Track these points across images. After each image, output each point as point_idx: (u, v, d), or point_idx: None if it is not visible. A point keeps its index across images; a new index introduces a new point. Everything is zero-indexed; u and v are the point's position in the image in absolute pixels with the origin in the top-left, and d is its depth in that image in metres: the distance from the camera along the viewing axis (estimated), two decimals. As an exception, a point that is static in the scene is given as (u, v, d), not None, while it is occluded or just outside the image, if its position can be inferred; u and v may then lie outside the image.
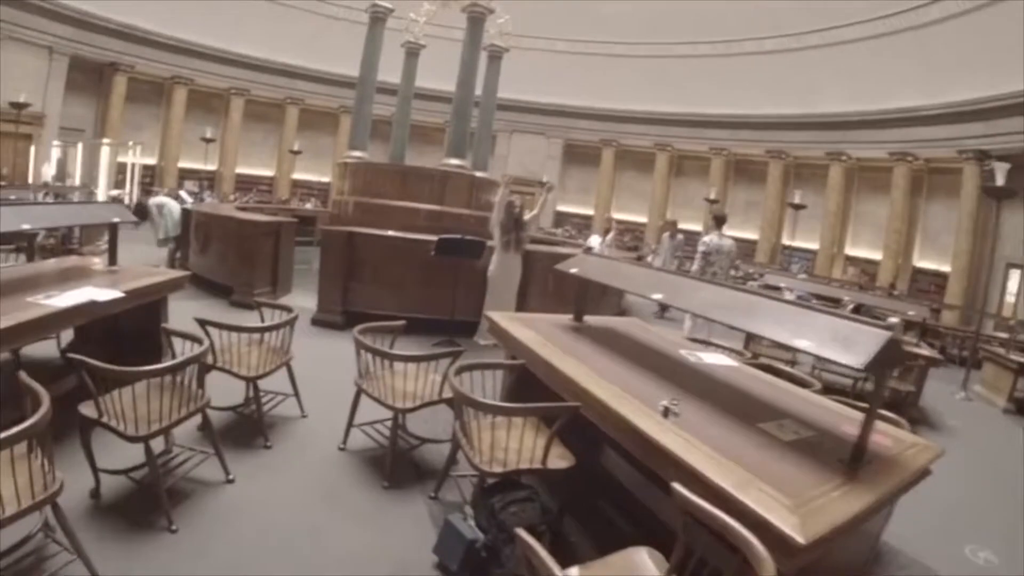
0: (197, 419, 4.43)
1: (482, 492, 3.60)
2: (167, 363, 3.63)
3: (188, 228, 11.25)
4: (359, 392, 4.69)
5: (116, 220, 5.99)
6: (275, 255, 9.84)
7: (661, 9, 22.87)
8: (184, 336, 4.32)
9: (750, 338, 8.55)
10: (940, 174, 20.33)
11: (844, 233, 22.99)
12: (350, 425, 4.92)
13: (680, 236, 14.71)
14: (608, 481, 4.27)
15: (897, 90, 19.54)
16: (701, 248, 10.11)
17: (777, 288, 11.81)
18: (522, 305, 8.78)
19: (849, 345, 2.76)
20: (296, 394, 5.45)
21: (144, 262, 11.79)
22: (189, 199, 13.53)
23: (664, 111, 25.30)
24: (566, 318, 5.48)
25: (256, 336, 5.13)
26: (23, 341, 4.32)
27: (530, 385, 4.26)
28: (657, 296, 4.27)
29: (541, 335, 4.61)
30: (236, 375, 4.74)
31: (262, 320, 5.53)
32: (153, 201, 12.04)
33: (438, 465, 4.60)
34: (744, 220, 23.74)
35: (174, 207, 11.67)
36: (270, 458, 4.69)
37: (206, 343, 4.09)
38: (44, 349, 5.79)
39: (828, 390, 4.99)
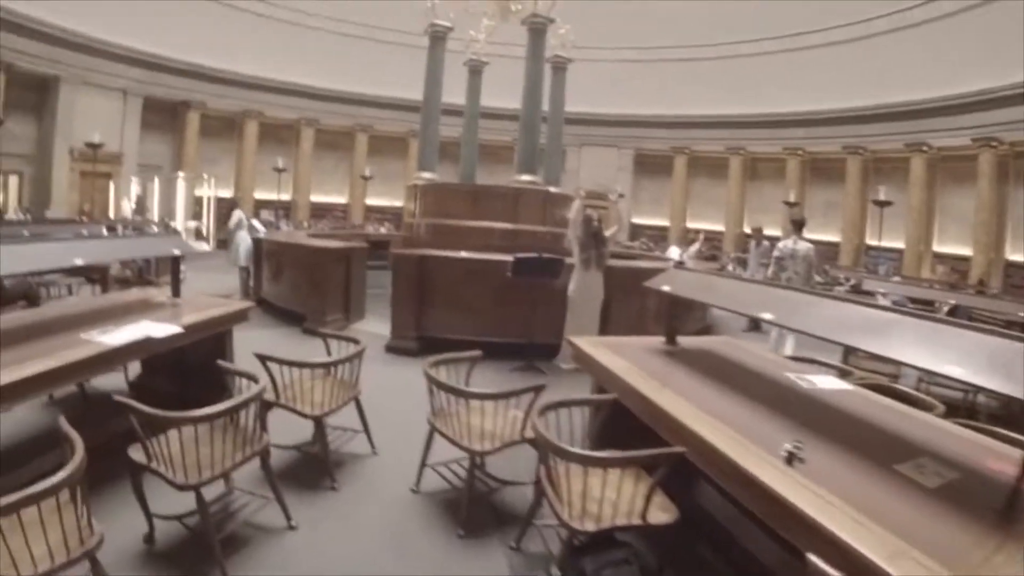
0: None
1: (571, 552, 3.09)
2: (215, 408, 3.22)
3: (260, 257, 11.07)
4: (433, 430, 4.23)
5: (176, 252, 5.70)
6: (346, 281, 9.56)
7: (722, 7, 22.24)
8: (240, 374, 3.96)
9: (848, 351, 7.85)
10: None
11: (930, 229, 21.76)
12: (423, 465, 4.45)
13: (766, 243, 13.82)
14: (705, 520, 3.75)
15: (975, 71, 18.34)
16: (775, 254, 9.73)
17: (870, 294, 10.92)
18: (605, 325, 8.16)
19: (1012, 371, 2.25)
20: (366, 430, 5.02)
21: (217, 291, 11.82)
22: (262, 228, 13.37)
23: (734, 113, 24.49)
24: (657, 340, 4.95)
25: (322, 370, 4.75)
26: (71, 380, 4.07)
27: (623, 420, 3.75)
28: (767, 316, 3.68)
29: (632, 362, 4.12)
30: (300, 413, 4.35)
31: (328, 352, 5.12)
32: (232, 222, 12.13)
33: (520, 510, 4.15)
34: (824, 222, 22.56)
35: (243, 237, 11.56)
36: (336, 501, 4.29)
37: (262, 383, 3.66)
38: (112, 381, 5.54)
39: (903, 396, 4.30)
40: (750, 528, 3.22)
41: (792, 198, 22.00)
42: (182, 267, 13.46)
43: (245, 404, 3.42)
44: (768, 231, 23.24)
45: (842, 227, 22.86)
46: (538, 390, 3.98)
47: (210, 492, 3.46)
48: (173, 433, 3.33)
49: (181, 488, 3.15)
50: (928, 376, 7.46)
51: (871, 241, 22.56)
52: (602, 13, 21.92)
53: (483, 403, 4.23)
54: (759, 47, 22.88)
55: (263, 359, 4.37)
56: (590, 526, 2.96)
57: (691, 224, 26.55)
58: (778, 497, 2.34)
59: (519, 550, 3.76)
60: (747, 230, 19.89)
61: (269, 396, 4.34)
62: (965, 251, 20.24)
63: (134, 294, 6.24)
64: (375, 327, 9.05)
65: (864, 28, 20.65)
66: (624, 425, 3.72)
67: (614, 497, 3.01)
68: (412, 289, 8.18)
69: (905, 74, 19.95)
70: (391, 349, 8.21)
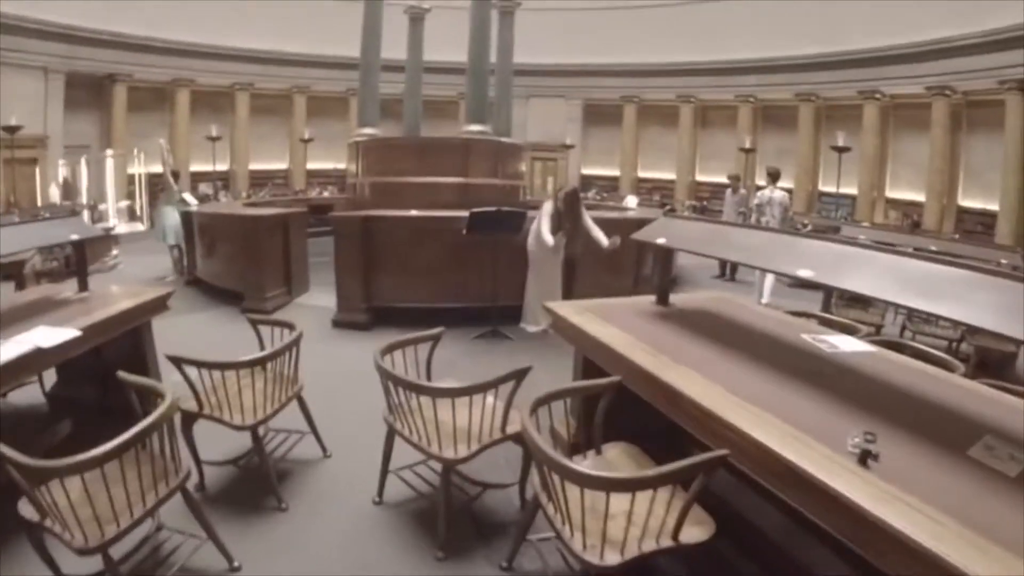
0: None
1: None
2: (106, 447, 2.36)
3: (191, 233, 10.06)
4: (392, 433, 3.41)
5: (73, 237, 4.72)
6: (285, 251, 8.56)
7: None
8: (140, 387, 3.05)
9: (829, 299, 7.49)
10: (981, 107, 18.75)
11: (883, 175, 21.47)
12: (385, 472, 3.64)
13: (743, 191, 13.10)
14: (746, 531, 3.02)
15: (931, 20, 17.84)
16: (755, 201, 10.96)
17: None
18: (569, 282, 7.42)
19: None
20: (314, 430, 4.18)
21: (151, 274, 10.83)
22: (194, 201, 12.31)
23: (685, 61, 23.61)
24: (646, 301, 4.24)
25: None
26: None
27: (626, 401, 3.02)
28: (807, 273, 2.89)
29: (628, 332, 3.39)
30: (229, 424, 3.49)
31: (260, 340, 4.23)
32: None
33: (506, 517, 3.46)
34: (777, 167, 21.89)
35: (167, 212, 10.51)
36: (286, 525, 3.46)
37: (169, 398, 2.76)
38: (29, 393, 4.66)
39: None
40: (804, 538, 2.55)
41: (748, 144, 21.36)
42: (114, 251, 12.69)
43: (146, 432, 2.55)
44: (717, 178, 22.98)
45: (796, 174, 22.16)
46: (520, 376, 3.19)
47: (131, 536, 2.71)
48: (70, 480, 2.47)
49: (82, 553, 2.41)
50: (913, 324, 7.05)
51: (824, 188, 22.32)
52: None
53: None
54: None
55: (177, 362, 3.48)
56: (613, 558, 2.22)
57: (642, 174, 26.02)
58: (866, 515, 1.75)
59: (512, 570, 3.04)
60: (724, 179, 19.01)
61: (191, 406, 3.54)
62: (917, 197, 20.11)
63: (36, 292, 5.21)
64: (322, 299, 8.15)
65: (819, -26, 20.09)
66: (627, 408, 3.01)
67: (640, 516, 2.23)
68: (357, 255, 7.25)
69: (860, 22, 19.44)
70: (339, 324, 7.32)
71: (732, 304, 4.40)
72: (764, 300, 9.53)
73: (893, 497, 1.80)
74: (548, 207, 7.09)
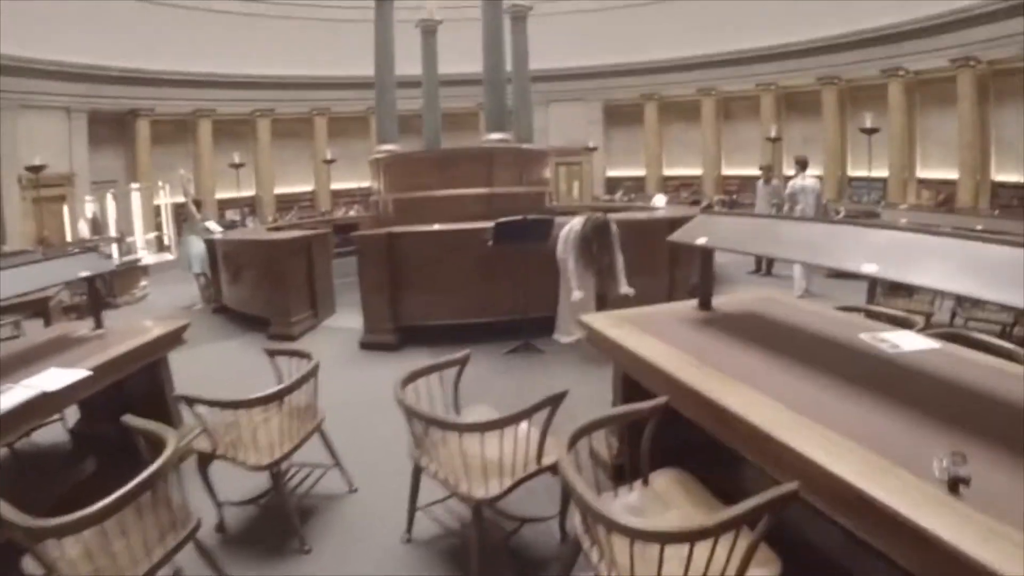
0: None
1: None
2: (106, 501, 2.11)
3: (216, 260, 9.88)
4: (418, 469, 3.12)
5: (84, 274, 4.51)
6: (310, 273, 8.32)
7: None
8: (144, 433, 2.77)
9: (874, 288, 7.03)
10: (1008, 76, 17.88)
11: (912, 155, 20.76)
12: (413, 510, 3.34)
13: (776, 182, 12.65)
14: (816, 564, 2.68)
15: None
16: (788, 190, 10.77)
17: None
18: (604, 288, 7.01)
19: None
20: (338, 464, 3.91)
21: (179, 303, 10.70)
22: (218, 229, 12.15)
23: (702, 53, 23.16)
24: (687, 307, 3.94)
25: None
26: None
27: (674, 424, 2.70)
28: (870, 268, 2.57)
29: (671, 343, 3.08)
30: (243, 466, 3.24)
31: (277, 372, 3.95)
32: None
33: (546, 552, 3.16)
34: (804, 155, 21.32)
35: (192, 242, 10.37)
36: (310, 566, 3.20)
37: (168, 448, 2.49)
38: (54, 432, 4.61)
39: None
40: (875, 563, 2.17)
41: (774, 134, 20.78)
42: (143, 282, 12.59)
43: (149, 484, 2.29)
44: (745, 171, 22.50)
45: (823, 159, 21.63)
46: (556, 402, 2.87)
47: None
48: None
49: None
50: (965, 308, 6.64)
51: (853, 172, 21.90)
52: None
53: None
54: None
55: (188, 401, 3.28)
56: (674, 614, 1.88)
57: (668, 172, 25.54)
58: (964, 558, 1.44)
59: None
60: (755, 171, 18.65)
61: (205, 445, 3.33)
62: (949, 175, 19.35)
63: (53, 330, 5.03)
64: (349, 321, 7.92)
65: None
66: (669, 422, 2.69)
67: (700, 563, 1.90)
68: (383, 274, 6.99)
69: None
70: (367, 345, 7.06)
71: (779, 304, 4.06)
72: (797, 293, 9.26)
73: (993, 533, 1.49)
74: (577, 225, 6.66)
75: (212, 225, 12.35)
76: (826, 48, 20.99)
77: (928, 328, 3.89)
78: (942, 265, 2.38)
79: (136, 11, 20.17)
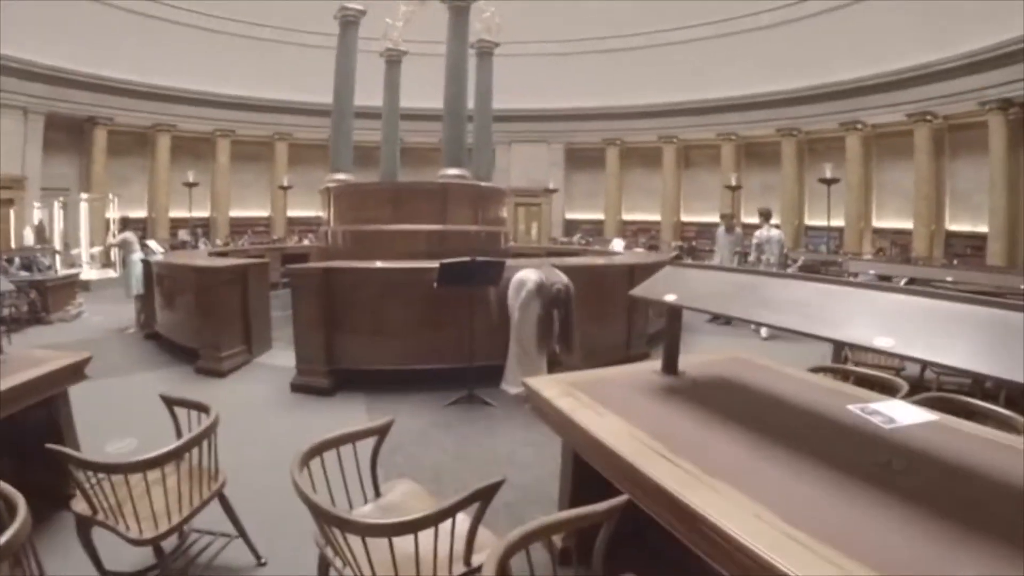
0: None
1: None
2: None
3: (151, 282, 9.16)
4: (324, 562, 2.49)
5: None
6: (244, 306, 7.58)
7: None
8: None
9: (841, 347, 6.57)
10: (963, 130, 18.60)
11: (869, 205, 21.20)
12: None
13: (739, 230, 12.61)
14: None
15: (909, 47, 17.77)
16: (755, 240, 10.99)
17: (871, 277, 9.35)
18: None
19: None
20: (243, 534, 3.23)
21: (114, 324, 9.92)
22: (159, 249, 11.40)
23: (666, 101, 23.26)
24: (648, 369, 3.38)
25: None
26: None
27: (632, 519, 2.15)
28: (885, 343, 2.05)
29: (632, 421, 2.56)
30: (123, 537, 2.59)
31: (176, 425, 3.32)
32: (117, 240, 10.28)
33: None
34: (761, 204, 21.23)
35: (135, 261, 9.61)
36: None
37: (16, 523, 1.85)
38: None
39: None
40: None
41: (735, 182, 20.72)
42: (79, 300, 11.77)
43: None
44: (704, 218, 22.41)
45: (780, 208, 21.62)
46: (487, 496, 2.29)
47: None
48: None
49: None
50: (934, 366, 6.16)
51: (809, 221, 22.26)
52: (524, 7, 20.28)
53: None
54: (689, 33, 21.79)
55: (65, 457, 2.61)
56: None
57: (627, 216, 25.42)
58: None
59: None
60: (715, 219, 18.53)
61: (84, 508, 2.69)
62: (903, 224, 19.89)
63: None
64: (285, 359, 7.13)
65: (796, 10, 19.85)
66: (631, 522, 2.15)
67: None
68: (318, 312, 6.29)
69: (838, 54, 19.32)
70: (298, 388, 6.33)
71: (751, 368, 3.56)
72: (764, 335, 9.68)
73: None
74: (532, 279, 6.09)
75: (154, 245, 11.61)
76: (787, 101, 21.34)
77: (914, 394, 3.43)
78: (968, 339, 1.94)
79: (102, 16, 19.49)
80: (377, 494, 2.79)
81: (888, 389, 3.51)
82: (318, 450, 2.55)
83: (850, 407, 2.83)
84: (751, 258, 11.10)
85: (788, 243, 20.56)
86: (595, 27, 22.65)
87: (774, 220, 11.57)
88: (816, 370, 4.02)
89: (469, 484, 4.18)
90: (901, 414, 2.76)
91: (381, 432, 2.79)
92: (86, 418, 4.14)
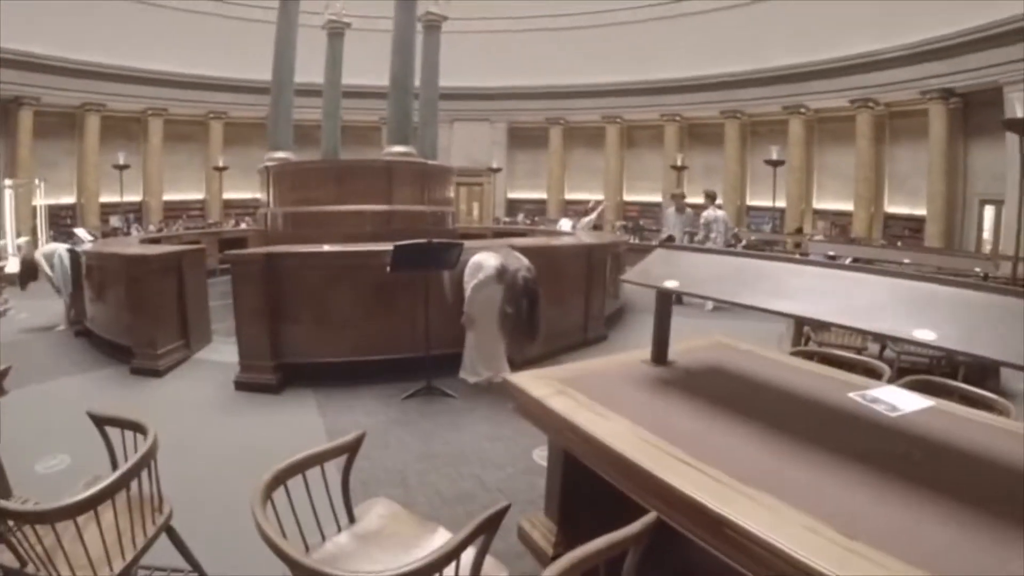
0: None
1: None
2: None
3: (79, 274, 8.44)
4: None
5: None
6: (180, 297, 6.98)
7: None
8: None
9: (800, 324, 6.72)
10: (903, 117, 18.79)
11: (810, 187, 21.29)
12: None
13: (689, 210, 12.53)
14: None
15: (853, 35, 17.82)
16: (702, 220, 11.57)
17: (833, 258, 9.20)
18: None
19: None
20: (197, 568, 2.75)
21: (43, 322, 9.16)
22: (88, 238, 10.61)
23: (610, 81, 22.92)
24: (634, 360, 3.08)
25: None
26: None
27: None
28: (928, 336, 1.81)
29: (636, 420, 2.28)
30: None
31: (110, 451, 2.84)
32: (42, 252, 9.17)
33: None
34: (704, 185, 20.89)
35: (64, 255, 8.81)
36: None
37: None
38: None
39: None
40: None
41: (679, 163, 20.36)
42: (3, 296, 10.88)
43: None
44: (647, 197, 22.33)
45: (723, 189, 21.57)
46: (493, 525, 1.89)
47: None
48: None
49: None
50: (896, 344, 6.05)
51: (751, 202, 22.25)
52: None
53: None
54: (635, 14, 21.45)
55: None
56: None
57: (569, 196, 25.06)
58: None
59: None
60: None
61: (10, 560, 2.17)
62: (844, 206, 20.10)
63: None
64: (226, 353, 6.61)
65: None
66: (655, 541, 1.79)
67: None
68: (261, 301, 5.77)
69: (783, 39, 19.23)
70: (242, 386, 5.82)
71: (738, 354, 3.32)
72: (709, 307, 9.85)
73: None
74: (494, 265, 5.61)
75: (82, 233, 10.83)
76: (731, 83, 21.19)
77: (899, 377, 3.29)
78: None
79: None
80: (351, 519, 2.39)
81: (872, 373, 3.37)
82: (281, 478, 2.13)
83: (851, 395, 2.68)
84: (699, 237, 11.43)
85: (731, 223, 20.92)
86: (540, 5, 22.25)
87: (718, 201, 12.08)
88: (797, 353, 3.85)
89: (440, 488, 3.85)
90: (901, 401, 2.66)
91: (351, 449, 2.37)
92: (11, 433, 3.67)
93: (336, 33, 12.30)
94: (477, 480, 3.97)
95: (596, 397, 2.46)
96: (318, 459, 2.25)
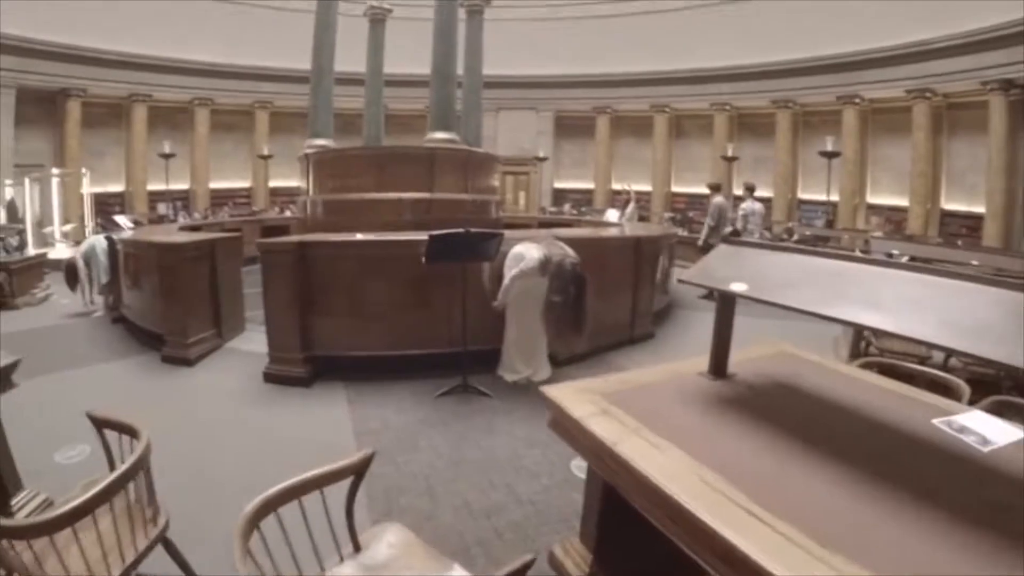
0: None
1: None
2: None
3: (116, 262, 8.37)
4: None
5: None
6: (213, 285, 6.78)
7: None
8: None
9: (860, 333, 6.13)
10: (961, 109, 17.87)
11: (864, 181, 20.42)
12: None
13: (720, 198, 12.01)
14: None
15: (909, 23, 16.93)
16: (741, 212, 11.87)
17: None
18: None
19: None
20: None
21: (80, 309, 9.08)
22: (129, 225, 10.47)
23: (659, 70, 22.27)
24: (693, 371, 2.72)
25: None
26: None
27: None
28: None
29: (695, 454, 1.93)
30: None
31: (107, 452, 2.59)
32: (81, 251, 9.08)
33: None
34: (753, 177, 20.31)
35: (100, 248, 8.73)
36: None
37: None
38: None
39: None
40: None
41: (730, 153, 19.71)
42: (46, 282, 10.87)
43: None
44: (695, 189, 21.82)
45: (774, 181, 21.26)
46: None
47: None
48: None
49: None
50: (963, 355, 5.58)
51: (802, 195, 21.50)
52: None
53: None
54: (684, 1, 20.86)
55: None
56: None
57: (616, 186, 24.19)
58: None
59: None
60: (703, 188, 18.09)
61: None
62: (898, 201, 19.28)
63: None
64: (259, 343, 6.29)
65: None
66: None
67: None
68: (292, 292, 5.53)
69: (837, 26, 18.40)
70: (271, 378, 5.58)
71: (805, 366, 2.92)
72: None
73: None
74: (537, 256, 5.22)
75: (122, 220, 10.73)
76: (782, 72, 20.43)
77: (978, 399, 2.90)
78: None
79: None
80: (356, 547, 2.07)
81: (950, 391, 2.99)
82: (273, 503, 1.82)
83: (935, 422, 2.28)
84: (739, 226, 11.59)
85: (781, 216, 20.63)
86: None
87: (763, 193, 12.65)
88: (865, 366, 3.43)
89: (468, 499, 3.50)
90: (991, 431, 2.27)
91: (358, 471, 2.04)
92: (39, 420, 3.94)
93: (378, 19, 12.06)
94: (509, 491, 3.64)
95: (646, 419, 2.10)
96: (317, 483, 1.93)
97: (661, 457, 1.84)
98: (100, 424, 2.62)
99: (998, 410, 2.62)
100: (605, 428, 2.05)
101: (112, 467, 2.58)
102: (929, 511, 1.62)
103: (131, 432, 2.44)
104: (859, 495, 1.70)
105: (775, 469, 1.84)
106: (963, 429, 2.24)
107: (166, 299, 6.41)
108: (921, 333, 1.74)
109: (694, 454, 1.86)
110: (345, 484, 2.05)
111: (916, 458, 2.00)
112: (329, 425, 4.65)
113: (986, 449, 2.09)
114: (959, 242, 14.98)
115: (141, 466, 2.22)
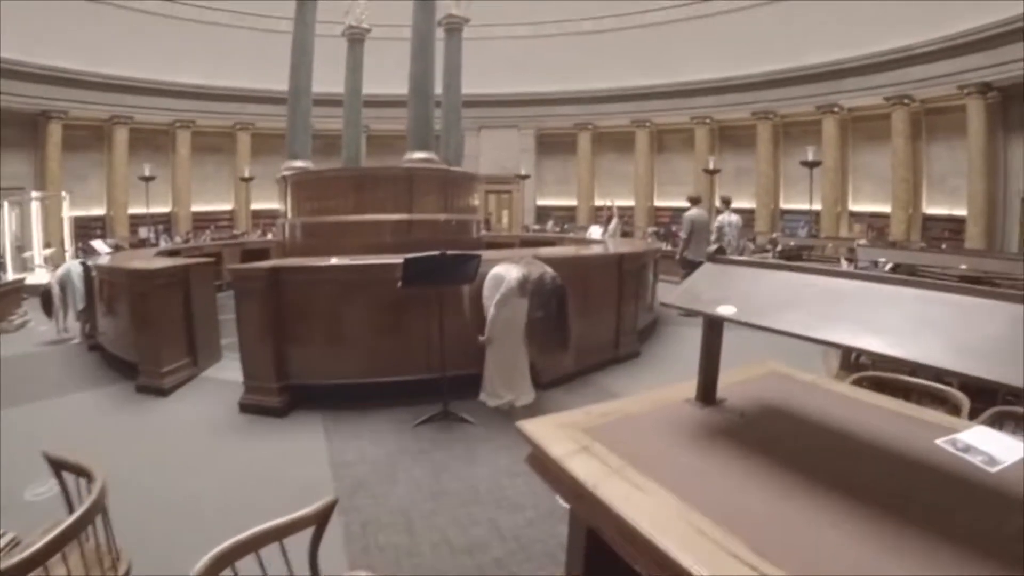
0: None
1: None
2: None
3: (91, 289, 8.18)
4: None
5: None
6: (187, 313, 6.57)
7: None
8: None
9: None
10: (939, 114, 18.13)
11: (845, 189, 20.60)
12: None
13: (696, 211, 12.01)
14: None
15: (886, 30, 17.24)
16: (716, 224, 11.99)
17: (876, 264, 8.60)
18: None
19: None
20: None
21: (57, 337, 8.85)
22: (106, 250, 10.25)
23: (640, 85, 22.44)
24: (681, 398, 2.55)
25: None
26: None
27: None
28: None
29: (683, 496, 1.74)
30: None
31: (65, 495, 2.42)
32: (56, 276, 8.89)
33: None
34: (736, 188, 20.56)
35: (75, 273, 8.54)
36: None
37: None
38: None
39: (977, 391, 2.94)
40: None
41: (711, 166, 19.92)
42: (23, 308, 10.63)
43: None
44: (677, 203, 21.85)
45: (756, 192, 21.50)
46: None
47: None
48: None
49: None
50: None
51: (784, 205, 21.70)
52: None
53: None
54: (662, 16, 21.15)
55: None
56: None
57: (599, 202, 24.48)
58: None
59: None
60: (680, 202, 18.29)
61: None
62: (880, 208, 19.53)
63: None
64: (236, 372, 6.02)
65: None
66: None
67: None
68: (266, 319, 5.34)
69: (814, 36, 18.75)
70: (247, 408, 5.40)
71: (796, 386, 2.77)
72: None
73: None
74: (514, 276, 5.09)
75: (99, 245, 10.51)
76: (762, 84, 20.72)
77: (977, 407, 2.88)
78: None
79: (50, 4, 18.20)
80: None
81: (948, 403, 2.95)
82: (228, 558, 1.65)
83: (938, 442, 2.12)
84: (712, 238, 11.77)
85: (764, 227, 20.94)
86: (565, 9, 21.91)
87: (744, 203, 12.60)
88: (859, 381, 3.30)
89: (449, 535, 3.33)
90: (996, 448, 2.11)
91: (319, 519, 1.87)
92: (9, 454, 3.86)
93: (356, 39, 11.94)
94: (492, 525, 3.48)
95: (630, 457, 1.93)
96: (276, 534, 1.76)
97: (647, 501, 1.68)
98: (56, 466, 2.45)
99: (999, 421, 2.65)
100: (586, 468, 1.88)
101: (71, 510, 2.41)
102: (947, 548, 1.47)
103: (86, 475, 2.28)
104: (867, 535, 1.55)
105: (772, 509, 1.68)
106: (968, 448, 2.10)
107: (139, 327, 6.21)
108: (927, 357, 1.59)
109: (683, 495, 1.70)
110: (309, 532, 1.89)
111: (919, 485, 1.84)
112: (305, 457, 4.46)
113: (994, 469, 1.94)
114: (943, 246, 15.01)
115: (96, 511, 2.05)
